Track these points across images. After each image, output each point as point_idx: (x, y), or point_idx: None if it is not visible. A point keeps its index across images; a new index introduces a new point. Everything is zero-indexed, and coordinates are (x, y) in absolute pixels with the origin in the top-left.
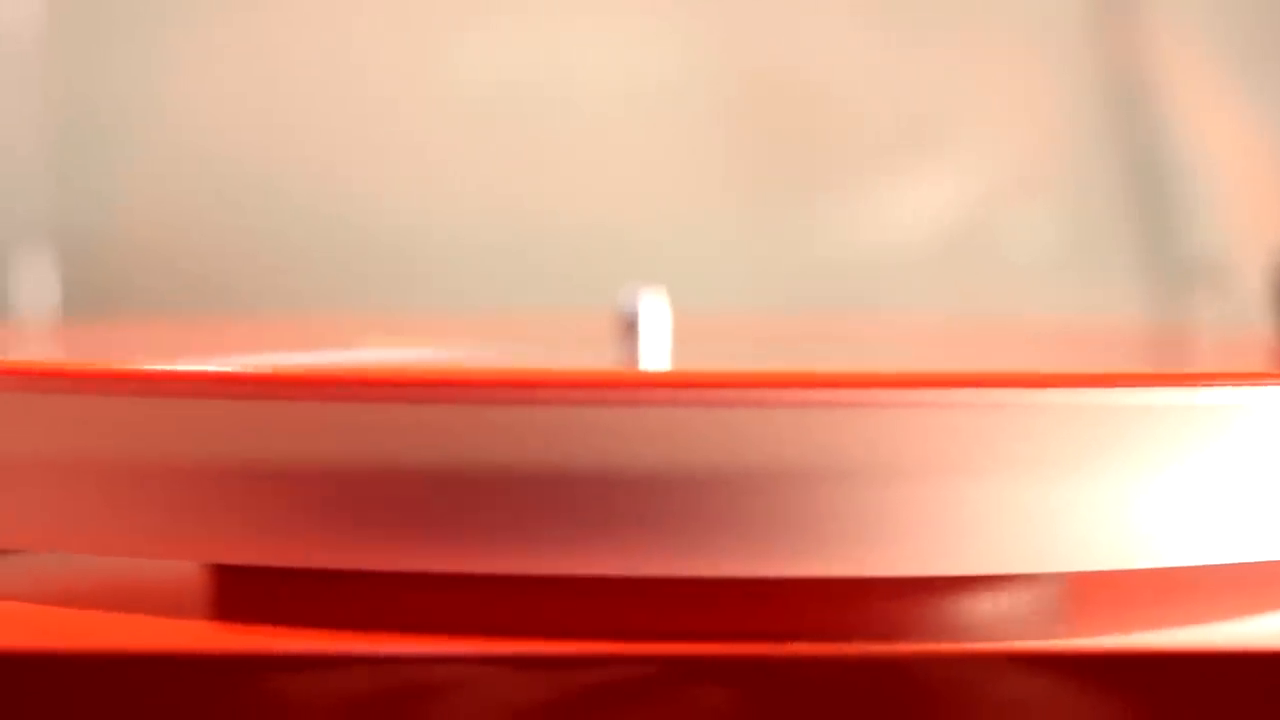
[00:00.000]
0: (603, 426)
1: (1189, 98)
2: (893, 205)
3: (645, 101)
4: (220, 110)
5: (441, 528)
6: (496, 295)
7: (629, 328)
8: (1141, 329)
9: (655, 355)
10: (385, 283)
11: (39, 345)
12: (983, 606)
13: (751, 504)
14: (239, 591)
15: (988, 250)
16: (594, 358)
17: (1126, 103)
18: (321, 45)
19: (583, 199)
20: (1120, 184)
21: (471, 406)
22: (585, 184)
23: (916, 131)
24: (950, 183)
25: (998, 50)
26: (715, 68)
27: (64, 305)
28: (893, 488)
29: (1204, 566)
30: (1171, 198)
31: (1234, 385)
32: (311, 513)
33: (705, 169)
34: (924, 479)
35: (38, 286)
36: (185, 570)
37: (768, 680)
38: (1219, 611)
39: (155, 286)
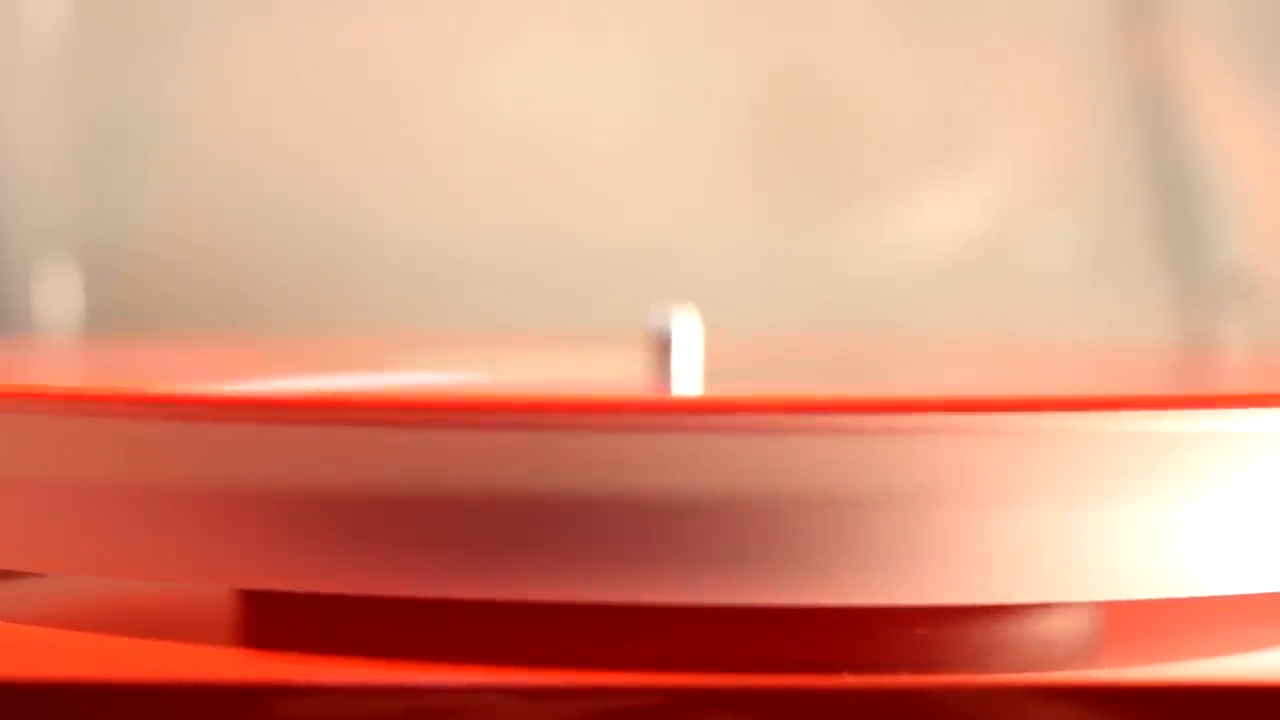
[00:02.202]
0: (634, 452)
1: (1216, 110)
2: (919, 219)
3: (672, 119)
4: (245, 125)
5: (470, 554)
6: (526, 314)
7: (661, 347)
8: (1170, 348)
9: (687, 375)
10: (413, 301)
11: (62, 362)
12: (1016, 636)
13: (780, 531)
14: (263, 617)
15: (1013, 263)
16: (625, 377)
17: (1153, 115)
18: (348, 60)
19: (610, 217)
20: (1147, 197)
21: (497, 432)
22: (613, 202)
23: (942, 146)
24: (976, 196)
25: (1022, 64)
26: (740, 85)
27: (86, 319)
28: (924, 515)
29: (1244, 595)
30: (1199, 211)
31: (1274, 410)
32: (338, 538)
33: (732, 186)
34: (956, 506)
35: (60, 300)
36: (209, 595)
37: (794, 712)
38: (1259, 641)
39: (179, 301)
